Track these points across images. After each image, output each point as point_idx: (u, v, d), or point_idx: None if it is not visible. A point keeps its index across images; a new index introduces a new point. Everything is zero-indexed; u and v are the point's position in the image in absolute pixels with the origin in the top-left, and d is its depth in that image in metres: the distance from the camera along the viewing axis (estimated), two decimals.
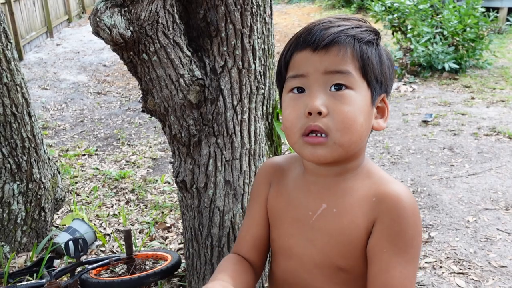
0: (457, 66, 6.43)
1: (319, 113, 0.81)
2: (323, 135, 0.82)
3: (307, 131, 0.84)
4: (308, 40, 0.84)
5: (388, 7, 7.03)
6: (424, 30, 6.52)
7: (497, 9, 8.79)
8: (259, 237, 1.00)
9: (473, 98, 5.62)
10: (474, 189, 3.36)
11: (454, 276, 2.42)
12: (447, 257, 2.57)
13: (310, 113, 0.82)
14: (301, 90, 0.85)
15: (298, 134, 0.85)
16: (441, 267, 2.50)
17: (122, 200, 3.48)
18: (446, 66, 6.35)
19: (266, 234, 1.00)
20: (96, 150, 4.62)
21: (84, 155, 4.51)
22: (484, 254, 2.59)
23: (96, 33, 1.56)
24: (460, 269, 2.47)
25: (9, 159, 2.56)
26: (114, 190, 3.64)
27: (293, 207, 0.94)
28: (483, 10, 6.63)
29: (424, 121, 4.90)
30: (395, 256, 0.82)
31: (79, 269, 2.29)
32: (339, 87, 0.82)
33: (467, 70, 6.67)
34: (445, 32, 6.49)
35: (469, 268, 2.47)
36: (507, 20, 9.27)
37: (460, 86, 6.13)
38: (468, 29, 6.40)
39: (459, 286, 2.34)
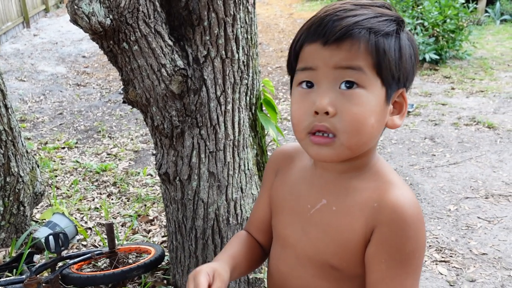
0: (437, 57, 6.49)
1: (326, 112, 0.77)
2: (330, 135, 0.79)
3: (313, 130, 0.80)
4: (319, 32, 0.78)
5: None
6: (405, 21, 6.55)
7: (476, 1, 8.89)
8: (263, 221, 1.03)
9: (453, 88, 5.69)
10: (455, 178, 3.41)
11: (436, 264, 2.45)
12: (430, 246, 2.61)
13: (317, 112, 0.78)
14: (310, 84, 0.81)
15: (304, 132, 0.81)
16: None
17: (103, 193, 3.42)
18: (427, 57, 6.41)
19: (269, 219, 1.01)
20: (76, 142, 4.53)
21: (63, 148, 4.42)
22: (465, 242, 2.63)
23: (74, 21, 1.51)
24: (442, 257, 2.51)
25: None
26: (95, 183, 3.58)
27: (294, 197, 0.93)
28: (463, 1, 6.70)
29: None
30: (394, 268, 0.80)
31: (60, 264, 2.25)
32: (350, 84, 0.77)
33: (447, 61, 6.74)
34: (426, 23, 6.54)
35: (451, 256, 2.51)
36: (486, 11, 9.40)
37: (441, 76, 6.19)
38: (448, 20, 6.46)
39: (441, 273, 2.37)
